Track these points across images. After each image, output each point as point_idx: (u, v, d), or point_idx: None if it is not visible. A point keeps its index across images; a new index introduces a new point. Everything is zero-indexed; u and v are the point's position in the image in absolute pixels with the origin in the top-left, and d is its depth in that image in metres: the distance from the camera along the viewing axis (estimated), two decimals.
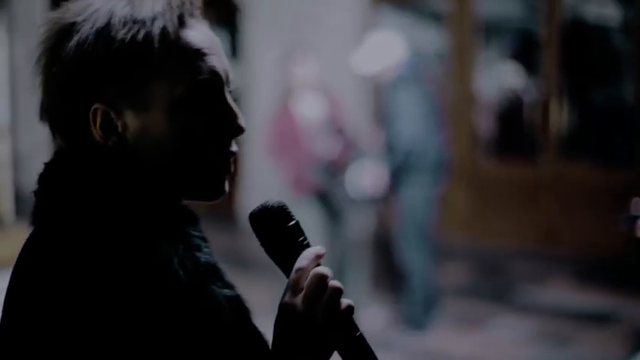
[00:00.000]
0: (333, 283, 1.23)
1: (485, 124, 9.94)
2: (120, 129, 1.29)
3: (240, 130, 1.35)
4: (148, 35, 1.27)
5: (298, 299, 1.23)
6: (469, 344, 6.28)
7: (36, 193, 1.31)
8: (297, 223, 1.31)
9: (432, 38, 10.36)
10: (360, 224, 6.91)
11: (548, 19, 9.01)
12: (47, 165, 1.33)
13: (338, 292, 1.23)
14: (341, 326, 1.24)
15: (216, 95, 1.33)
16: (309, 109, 6.65)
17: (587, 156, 9.13)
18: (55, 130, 1.34)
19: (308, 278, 1.23)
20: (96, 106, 1.28)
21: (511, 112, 10.05)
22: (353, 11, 9.92)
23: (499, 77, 10.25)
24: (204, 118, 1.31)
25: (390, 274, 7.30)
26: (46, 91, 1.32)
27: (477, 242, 9.13)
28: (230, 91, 1.38)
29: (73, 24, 1.29)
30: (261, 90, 10.01)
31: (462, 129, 9.42)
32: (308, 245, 1.29)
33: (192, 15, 1.34)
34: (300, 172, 6.55)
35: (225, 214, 11.02)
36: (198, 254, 1.32)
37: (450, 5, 9.64)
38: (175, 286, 1.21)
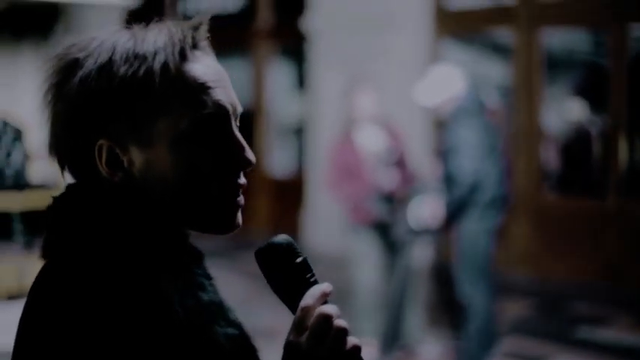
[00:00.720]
0: (339, 322, 1.21)
1: (550, 158, 9.84)
2: (126, 164, 1.29)
3: (247, 164, 1.33)
4: (149, 70, 1.27)
5: (303, 338, 1.21)
6: None
7: (45, 226, 1.32)
8: (305, 259, 1.28)
9: (498, 72, 10.31)
10: (419, 256, 6.87)
11: (616, 53, 8.90)
12: (56, 199, 1.33)
13: (343, 332, 1.21)
14: None
15: (222, 129, 1.32)
16: (370, 140, 6.65)
17: None
18: (63, 165, 1.34)
19: (313, 317, 1.21)
20: (101, 142, 1.29)
21: (577, 147, 9.93)
22: (418, 44, 9.92)
23: (565, 111, 10.14)
24: (209, 153, 1.30)
25: (448, 308, 7.23)
26: (53, 126, 1.33)
27: (539, 278, 9.00)
28: (238, 124, 1.36)
29: (77, 60, 1.29)
30: (326, 120, 10.05)
31: (528, 163, 9.33)
32: (315, 282, 1.27)
33: (196, 47, 1.33)
34: (360, 202, 6.55)
35: None
36: (200, 293, 1.31)
37: (516, 39, 9.59)
38: (174, 324, 1.21)
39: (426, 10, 9.95)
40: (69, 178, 1.35)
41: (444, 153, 6.46)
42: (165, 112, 1.28)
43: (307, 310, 1.22)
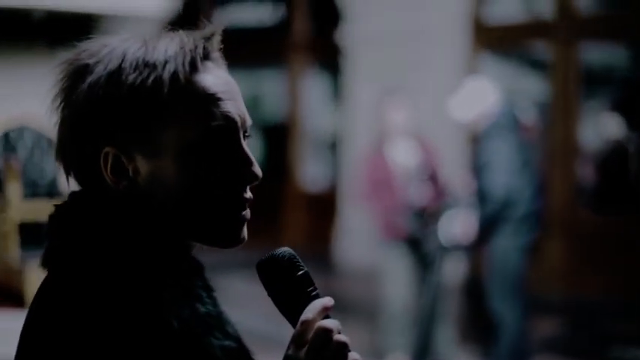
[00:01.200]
0: (339, 337, 1.19)
1: (586, 174, 9.73)
2: (131, 173, 1.28)
3: (253, 178, 1.31)
4: (158, 79, 1.25)
5: (302, 353, 1.19)
6: None
7: (46, 235, 1.30)
8: (307, 272, 1.27)
9: (536, 86, 10.23)
10: (450, 272, 6.80)
11: None
12: (58, 207, 1.32)
13: (343, 347, 1.19)
14: None
15: (229, 142, 1.30)
16: (402, 154, 6.62)
17: None
18: (69, 172, 1.33)
19: (312, 331, 1.19)
20: (107, 149, 1.27)
21: (613, 164, 9.81)
22: (455, 58, 9.88)
23: (602, 127, 10.02)
24: (216, 165, 1.28)
25: (479, 324, 7.15)
26: (60, 131, 1.32)
27: (573, 296, 8.89)
28: (246, 137, 1.34)
29: (87, 65, 1.28)
30: (361, 134, 10.01)
31: (563, 179, 9.24)
32: (317, 296, 1.25)
33: (207, 58, 1.32)
34: (392, 217, 6.51)
35: (322, 257, 11.05)
36: (197, 304, 1.29)
37: (554, 54, 9.51)
38: (168, 335, 1.19)
39: (464, 24, 9.90)
40: (74, 185, 1.34)
41: (477, 168, 6.42)
42: (173, 122, 1.26)
43: (307, 323, 1.20)
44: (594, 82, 9.75)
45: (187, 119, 1.26)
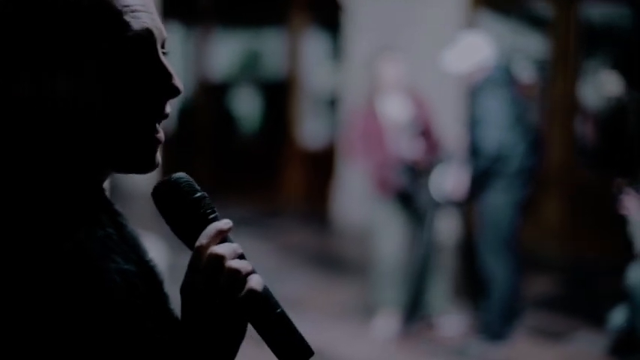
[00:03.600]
0: (231, 263, 1.14)
1: (586, 133, 9.67)
2: (48, 91, 1.20)
3: (175, 91, 1.25)
4: None
5: (196, 280, 1.15)
6: (546, 357, 6.09)
7: None
8: (204, 195, 1.21)
9: (535, 44, 10.14)
10: (443, 228, 6.77)
11: None
12: None
13: (235, 273, 1.14)
14: (244, 309, 1.15)
15: (147, 54, 1.24)
16: (395, 109, 6.57)
17: None
18: None
19: (205, 258, 1.15)
20: (23, 66, 1.19)
21: (612, 122, 9.74)
22: (453, 16, 9.79)
23: (602, 85, 9.94)
24: (134, 78, 1.22)
25: (471, 280, 7.14)
26: None
27: (568, 254, 8.87)
28: (165, 53, 1.28)
29: None
30: (359, 91, 9.96)
31: (562, 137, 9.19)
32: (216, 219, 1.20)
33: None
34: (384, 173, 6.47)
35: (319, 215, 11.05)
36: (96, 228, 1.24)
37: (554, 11, 9.42)
38: (58, 259, 1.13)
39: None
40: None
41: (470, 123, 6.37)
42: (88, 34, 1.20)
43: (200, 250, 1.15)
44: (594, 40, 9.64)
45: (102, 30, 1.20)
